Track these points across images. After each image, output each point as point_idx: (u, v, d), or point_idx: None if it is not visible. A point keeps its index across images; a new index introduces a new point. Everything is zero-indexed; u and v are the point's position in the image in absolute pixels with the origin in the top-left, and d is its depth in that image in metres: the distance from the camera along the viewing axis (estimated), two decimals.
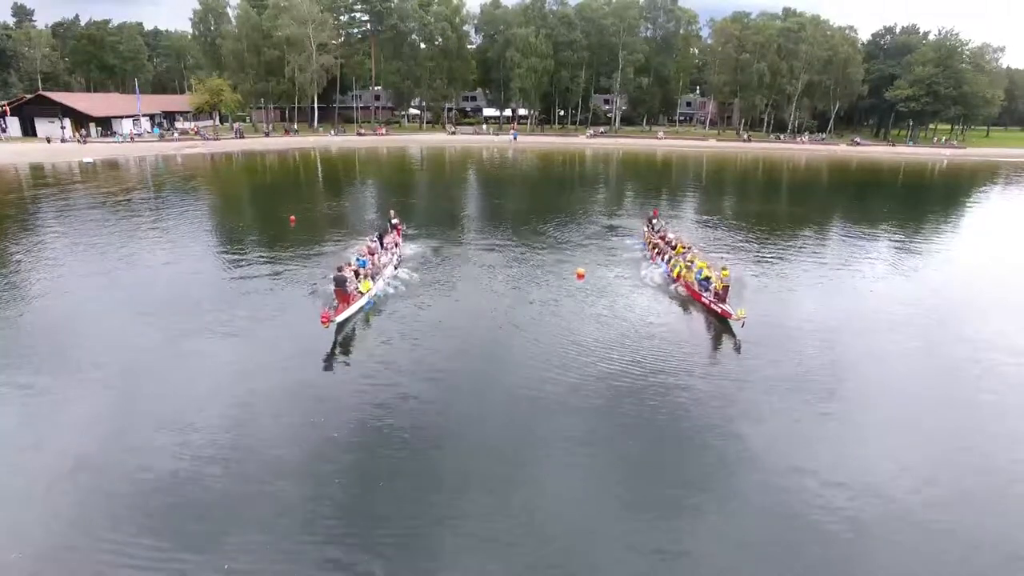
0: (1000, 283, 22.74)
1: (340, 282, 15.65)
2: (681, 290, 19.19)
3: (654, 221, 25.99)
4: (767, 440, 11.09)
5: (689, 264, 19.65)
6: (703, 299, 17.82)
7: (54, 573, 7.85)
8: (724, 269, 17.84)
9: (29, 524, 8.63)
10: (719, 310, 16.82)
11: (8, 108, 63.48)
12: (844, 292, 20.78)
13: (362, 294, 16.28)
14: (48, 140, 59.47)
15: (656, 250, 22.54)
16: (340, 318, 14.72)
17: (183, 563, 7.90)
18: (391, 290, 18.32)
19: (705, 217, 35.08)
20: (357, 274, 16.89)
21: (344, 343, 14.74)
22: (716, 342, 15.96)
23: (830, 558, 8.35)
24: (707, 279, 18.22)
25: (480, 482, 9.71)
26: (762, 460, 10.43)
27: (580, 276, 20.60)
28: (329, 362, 13.82)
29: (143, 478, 9.49)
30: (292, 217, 28.72)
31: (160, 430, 10.74)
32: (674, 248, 21.74)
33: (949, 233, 32.66)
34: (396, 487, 9.47)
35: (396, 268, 20.37)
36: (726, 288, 17.11)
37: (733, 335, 15.90)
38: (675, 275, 19.67)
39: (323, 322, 13.96)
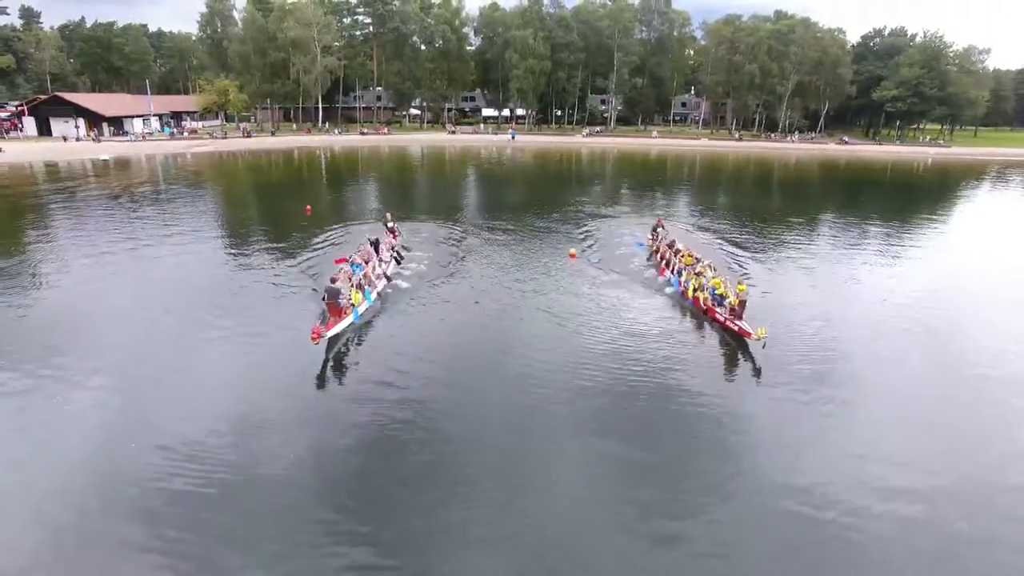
0: (981, 276, 23.63)
1: (332, 295, 14.85)
2: (690, 304, 17.92)
3: (659, 229, 24.36)
4: (773, 444, 11.13)
5: (699, 276, 18.40)
6: (717, 316, 16.45)
7: (54, 572, 8.01)
8: (740, 284, 16.56)
9: (28, 526, 8.73)
10: (736, 328, 15.45)
11: (26, 108, 65.66)
12: (842, 288, 20.84)
13: (354, 306, 15.44)
14: (64, 139, 61.75)
15: (663, 260, 21.29)
16: (331, 333, 13.93)
17: (178, 566, 8.08)
18: (387, 298, 17.66)
19: (696, 210, 37.07)
20: (350, 280, 16.33)
21: (337, 358, 14.06)
22: (729, 359, 14.99)
23: (837, 560, 8.50)
24: (721, 296, 16.89)
25: (481, 489, 9.65)
26: (768, 463, 10.48)
27: (572, 256, 22.84)
28: (322, 377, 13.29)
29: (135, 481, 9.54)
30: (308, 207, 30.93)
31: (154, 435, 10.71)
32: (681, 259, 20.40)
33: (928, 226, 34.23)
34: (398, 491, 9.49)
35: (392, 274, 19.75)
36: (743, 304, 15.80)
37: (750, 355, 14.83)
38: (688, 293, 18.15)
39: (313, 338, 13.14)
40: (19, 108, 66.42)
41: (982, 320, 18.28)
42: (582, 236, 27.12)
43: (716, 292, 17.03)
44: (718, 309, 16.51)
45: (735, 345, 15.40)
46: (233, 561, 8.16)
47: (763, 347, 14.25)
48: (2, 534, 8.60)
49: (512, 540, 8.66)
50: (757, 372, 14.09)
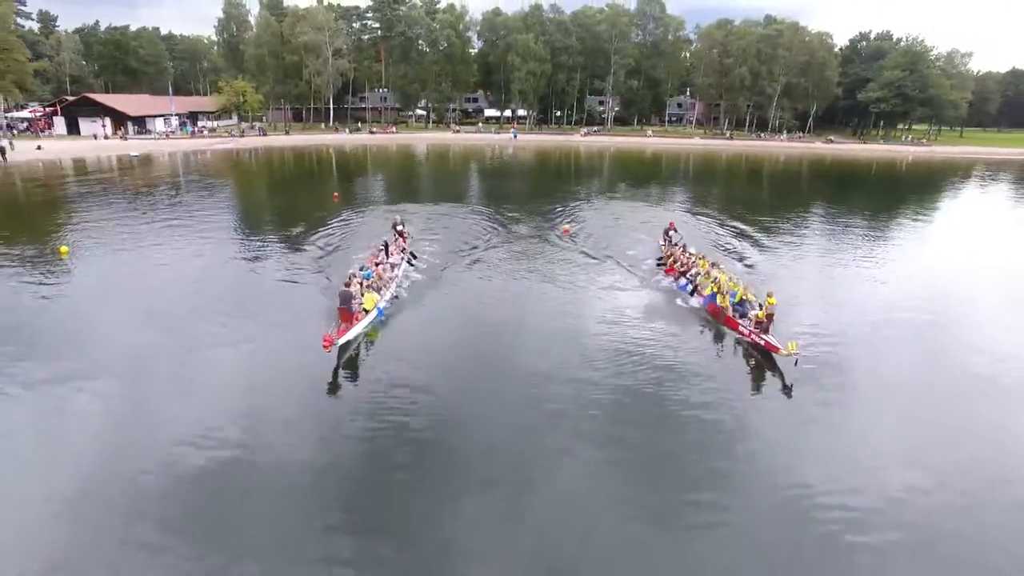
0: (968, 267, 24.61)
1: (345, 299, 14.94)
2: (709, 314, 17.14)
3: (671, 233, 23.76)
4: (777, 445, 11.17)
5: (715, 281, 17.54)
6: (741, 328, 15.53)
7: (62, 570, 8.02)
8: (770, 295, 15.37)
9: (37, 524, 8.82)
10: (763, 342, 14.51)
11: (59, 108, 69.75)
12: (843, 285, 21.32)
13: (367, 312, 15.48)
14: (95, 137, 65.82)
15: (677, 265, 20.65)
16: (343, 340, 13.87)
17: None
18: (397, 301, 17.76)
19: (688, 201, 40.54)
20: (362, 285, 16.37)
21: (348, 364, 13.95)
22: (753, 371, 14.36)
23: (842, 561, 8.52)
24: (743, 302, 16.16)
25: (491, 491, 9.75)
26: (772, 465, 10.47)
27: (566, 231, 26.63)
28: (333, 385, 13.14)
29: (142, 485, 9.54)
30: (335, 194, 34.69)
31: (164, 437, 10.78)
32: (695, 264, 19.77)
33: (912, 220, 36.40)
34: (408, 491, 9.58)
35: (403, 276, 19.85)
36: (770, 316, 14.88)
37: (779, 372, 13.94)
38: (706, 293, 17.52)
39: (325, 346, 13.10)
40: (49, 109, 70.42)
41: (988, 317, 18.41)
42: (596, 255, 25.19)
43: (736, 299, 16.27)
44: (742, 321, 15.64)
45: (760, 359, 14.65)
46: (242, 560, 8.24)
47: (795, 364, 13.40)
48: (12, 532, 8.63)
49: (520, 539, 8.78)
50: (785, 388, 13.41)
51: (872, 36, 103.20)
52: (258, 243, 25.29)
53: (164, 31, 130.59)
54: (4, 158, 47.86)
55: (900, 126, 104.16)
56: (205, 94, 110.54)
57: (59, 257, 21.56)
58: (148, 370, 13.38)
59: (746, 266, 23.16)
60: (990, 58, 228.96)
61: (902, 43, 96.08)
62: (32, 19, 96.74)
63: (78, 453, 10.45)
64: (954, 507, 9.72)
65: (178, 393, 12.49)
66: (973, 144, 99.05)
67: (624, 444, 11.11)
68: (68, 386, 12.48)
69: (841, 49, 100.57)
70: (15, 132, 63.39)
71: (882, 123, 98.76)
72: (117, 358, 13.80)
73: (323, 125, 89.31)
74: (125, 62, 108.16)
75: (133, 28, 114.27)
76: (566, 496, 9.70)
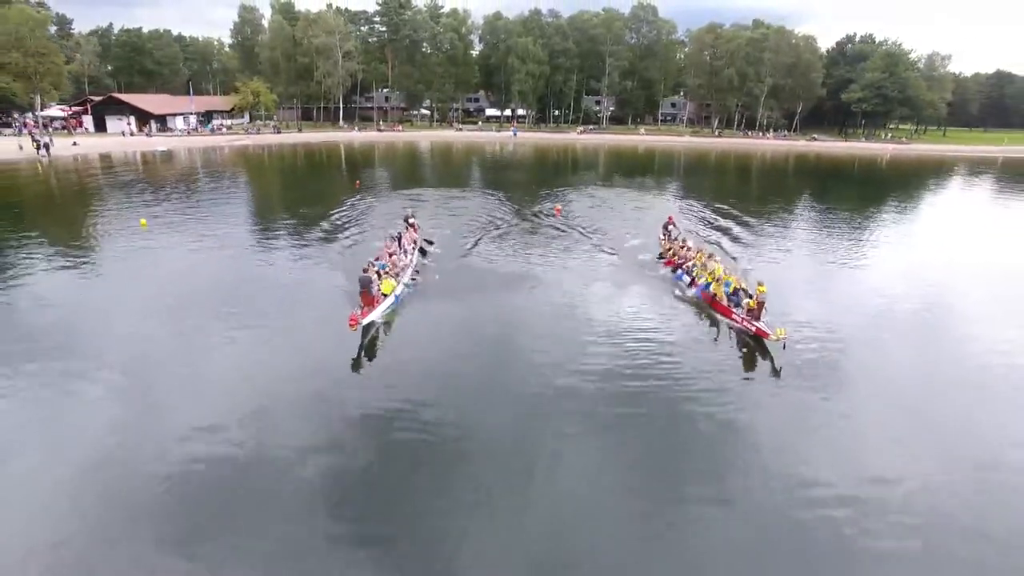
0: (949, 257, 25.91)
1: (365, 283, 15.97)
2: (705, 303, 17.91)
3: (670, 228, 24.66)
4: (784, 442, 11.32)
5: (712, 273, 18.33)
6: (734, 316, 16.47)
7: (69, 570, 7.98)
8: (760, 284, 16.31)
9: (47, 518, 8.75)
10: (753, 329, 15.48)
11: (89, 108, 74.33)
12: (832, 276, 22.36)
13: (385, 296, 16.49)
14: (123, 134, 70.34)
15: (675, 258, 21.34)
16: (366, 320, 14.93)
17: (199, 561, 8.12)
18: (412, 289, 18.66)
19: (676, 192, 44.30)
20: (379, 275, 17.26)
21: (370, 344, 14.85)
22: (745, 358, 15.01)
23: (841, 560, 8.59)
24: (737, 292, 16.92)
25: (495, 486, 9.87)
26: (774, 464, 10.57)
27: (558, 212, 30.78)
28: (357, 362, 13.83)
29: (162, 476, 9.65)
30: (357, 182, 38.91)
31: (184, 426, 10.97)
32: (694, 257, 20.47)
33: (892, 213, 38.29)
34: (417, 485, 9.72)
35: (416, 267, 20.80)
36: (761, 304, 15.80)
37: (769, 356, 14.82)
38: (702, 282, 18.20)
39: (351, 325, 14.14)
40: (77, 108, 74.95)
41: (967, 306, 19.29)
42: (597, 251, 24.97)
43: (730, 289, 16.99)
44: (735, 310, 16.49)
45: (752, 344, 15.45)
46: (252, 550, 8.37)
47: (783, 347, 14.46)
48: (26, 527, 8.59)
49: (524, 527, 8.98)
50: (775, 371, 14.15)
51: (857, 39, 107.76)
52: (285, 229, 27.05)
53: (164, 30, 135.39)
54: (48, 153, 52.24)
55: (890, 125, 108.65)
56: (216, 94, 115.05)
57: (140, 228, 26.00)
58: (183, 347, 14.37)
59: (735, 256, 24.19)
60: (984, 59, 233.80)
61: (883, 46, 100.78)
62: (54, 23, 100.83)
63: (105, 435, 10.80)
64: (940, 491, 10.04)
65: (213, 368, 13.57)
66: (956, 143, 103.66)
67: (621, 426, 11.67)
68: (94, 366, 13.26)
69: (828, 51, 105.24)
70: (51, 130, 67.81)
71: (864, 122, 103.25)
72: (148, 335, 14.88)
73: (340, 123, 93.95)
74: (141, 63, 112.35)
75: (145, 30, 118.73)
76: (565, 480, 10.09)
